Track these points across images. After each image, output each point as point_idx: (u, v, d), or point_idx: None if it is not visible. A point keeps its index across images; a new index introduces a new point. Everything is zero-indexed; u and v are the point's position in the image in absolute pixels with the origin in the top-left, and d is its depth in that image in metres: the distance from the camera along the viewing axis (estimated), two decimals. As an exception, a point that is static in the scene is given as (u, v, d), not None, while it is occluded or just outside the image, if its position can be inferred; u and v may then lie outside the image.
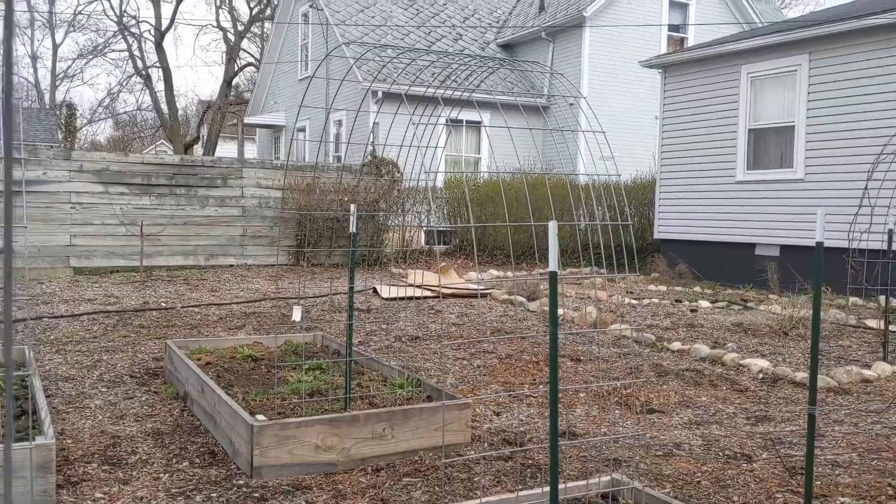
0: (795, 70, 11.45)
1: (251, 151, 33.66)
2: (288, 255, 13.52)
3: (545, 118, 19.55)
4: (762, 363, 6.22)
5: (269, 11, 35.97)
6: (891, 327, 8.04)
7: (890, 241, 6.33)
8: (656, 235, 14.07)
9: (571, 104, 21.16)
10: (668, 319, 8.64)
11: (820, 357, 6.61)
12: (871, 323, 8.14)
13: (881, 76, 10.37)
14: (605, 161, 7.40)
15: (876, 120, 10.32)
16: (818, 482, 3.67)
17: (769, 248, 11.78)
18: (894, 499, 3.47)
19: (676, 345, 7.06)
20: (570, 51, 20.82)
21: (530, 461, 3.93)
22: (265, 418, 3.85)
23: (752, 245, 12.06)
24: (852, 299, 9.60)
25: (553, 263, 2.91)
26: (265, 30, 37.87)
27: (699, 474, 3.83)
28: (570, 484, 3.04)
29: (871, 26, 10.33)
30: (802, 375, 5.84)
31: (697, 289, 11.71)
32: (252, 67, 38.76)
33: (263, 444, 3.56)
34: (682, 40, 21.79)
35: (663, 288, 11.81)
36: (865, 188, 5.64)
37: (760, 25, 19.63)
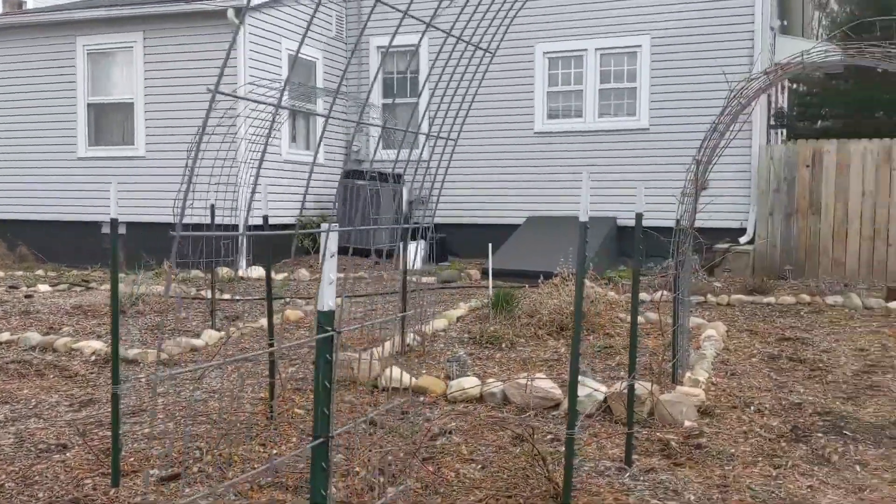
0: (132, 47, 11.44)
1: None
2: None
3: None
4: (97, 345, 6.06)
5: None
6: (224, 295, 8.69)
7: (213, 215, 6.75)
8: (-6, 216, 12.69)
9: None
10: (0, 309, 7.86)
11: (155, 331, 6.77)
12: (206, 294, 8.62)
13: (209, 59, 11.00)
14: None
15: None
16: (132, 458, 3.68)
17: (116, 226, 11.61)
18: (200, 461, 3.67)
19: (5, 335, 6.49)
20: None
21: None
22: None
23: (99, 223, 11.76)
24: (194, 272, 10.08)
25: None
26: None
27: (4, 476, 3.49)
28: None
29: (198, 11, 10.90)
30: (136, 352, 5.85)
31: (41, 272, 10.97)
32: None
33: None
34: (21, 3, 20.00)
35: (1, 274, 10.76)
36: (186, 165, 5.88)
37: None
